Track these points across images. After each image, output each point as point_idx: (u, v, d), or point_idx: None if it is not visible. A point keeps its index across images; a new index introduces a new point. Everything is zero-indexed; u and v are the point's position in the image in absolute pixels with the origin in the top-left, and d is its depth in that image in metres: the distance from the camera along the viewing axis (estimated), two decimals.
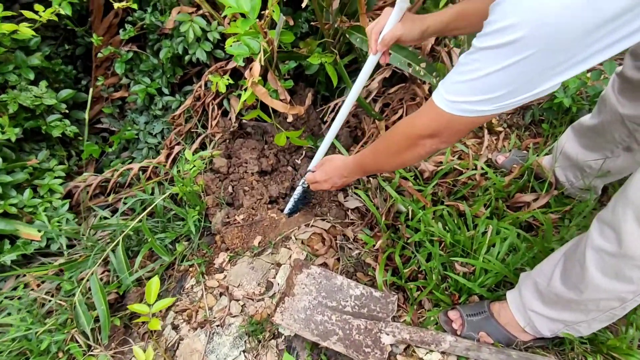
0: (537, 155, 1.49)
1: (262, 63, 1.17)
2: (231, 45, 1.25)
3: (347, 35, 1.38)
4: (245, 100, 1.25)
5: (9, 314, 1.39)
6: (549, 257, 1.02)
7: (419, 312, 1.20)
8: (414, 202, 1.45)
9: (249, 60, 1.52)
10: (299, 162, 1.78)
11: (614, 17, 0.53)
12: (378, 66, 1.70)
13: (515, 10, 0.58)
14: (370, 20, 1.54)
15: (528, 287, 1.04)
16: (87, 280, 1.43)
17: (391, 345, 1.08)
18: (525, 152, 1.59)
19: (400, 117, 1.67)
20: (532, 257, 1.15)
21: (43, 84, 1.91)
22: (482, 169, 1.55)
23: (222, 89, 1.67)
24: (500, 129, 1.74)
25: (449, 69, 1.60)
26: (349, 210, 1.54)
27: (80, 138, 2.20)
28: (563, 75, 0.63)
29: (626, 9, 0.52)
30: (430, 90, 1.62)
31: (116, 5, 1.55)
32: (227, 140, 1.87)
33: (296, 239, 1.40)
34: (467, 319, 1.09)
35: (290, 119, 1.41)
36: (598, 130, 1.21)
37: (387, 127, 1.66)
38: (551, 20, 0.55)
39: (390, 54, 1.24)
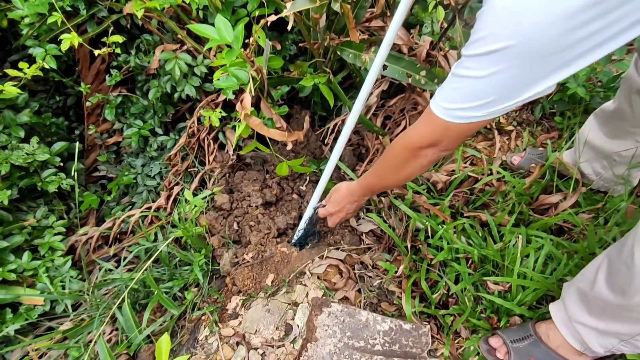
0: (557, 151, 1.39)
1: (253, 93, 1.10)
2: (219, 79, 1.19)
3: (339, 52, 1.32)
4: (240, 134, 1.18)
5: None
6: (592, 261, 0.91)
7: (456, 341, 1.09)
8: (432, 217, 1.35)
9: (240, 91, 1.45)
10: (303, 188, 1.69)
11: (583, 13, 0.52)
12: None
13: (497, 19, 0.59)
14: (360, 34, 1.47)
15: (571, 295, 0.93)
16: (95, 343, 1.33)
17: None
18: (541, 149, 1.49)
19: (405, 128, 1.59)
20: (574, 265, 1.04)
21: (34, 140, 1.86)
22: (498, 172, 1.45)
23: (216, 123, 1.61)
24: (510, 127, 1.65)
25: (448, 72, 1.52)
26: (363, 235, 1.44)
27: (78, 190, 2.14)
28: (553, 78, 0.62)
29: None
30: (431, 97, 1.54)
31: (97, 52, 1.50)
32: (227, 175, 1.80)
33: (311, 273, 1.30)
34: (513, 346, 0.97)
35: (289, 146, 1.33)
36: (623, 114, 1.12)
37: (391, 141, 1.58)
38: (532, 27, 0.56)
39: (386, 67, 1.17)
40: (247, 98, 1.10)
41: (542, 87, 0.64)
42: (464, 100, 0.70)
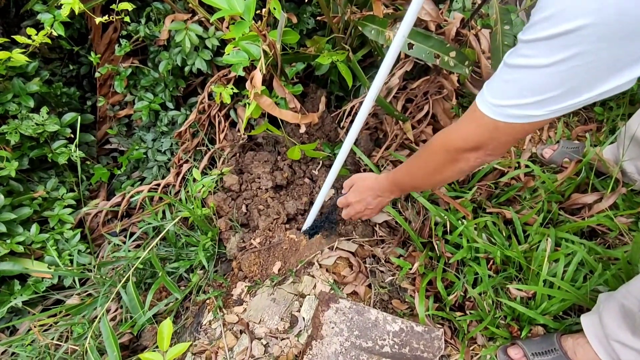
0: (596, 146, 1.27)
1: (265, 70, 1.01)
2: (229, 54, 1.09)
3: (360, 28, 1.20)
4: (250, 115, 1.10)
5: None
6: None
7: (471, 348, 1.02)
8: (452, 212, 1.26)
9: (252, 67, 1.36)
10: (316, 172, 1.61)
11: None
12: (397, 59, 1.51)
13: None
14: (384, 8, 1.34)
15: (611, 312, 0.83)
16: (99, 321, 1.32)
17: None
18: (576, 142, 1.37)
19: (427, 114, 1.48)
20: (611, 275, 0.94)
21: (44, 110, 1.82)
22: (527, 166, 1.34)
23: (227, 100, 1.52)
24: None
25: (479, 54, 1.38)
26: (377, 226, 1.36)
27: (89, 162, 2.11)
28: (637, 68, 0.50)
29: None
30: (460, 81, 1.41)
31: (97, 20, 1.42)
32: (237, 154, 1.73)
33: (320, 265, 1.24)
34: None
35: (303, 129, 1.24)
36: None
37: (413, 127, 1.47)
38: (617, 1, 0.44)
39: (412, 45, 1.05)
40: (258, 75, 1.01)
41: (622, 79, 0.51)
42: (520, 96, 0.59)
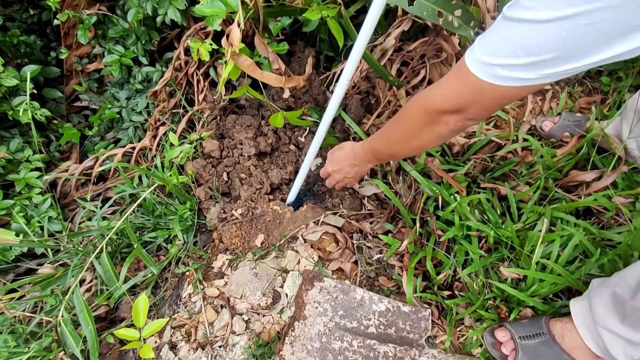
0: (599, 120, 1.19)
1: (244, 25, 0.87)
2: (203, 4, 0.95)
3: None
4: (228, 76, 0.97)
5: None
6: (637, 263, 0.77)
7: (457, 329, 0.99)
8: (444, 186, 1.19)
9: (230, 21, 1.21)
10: (302, 139, 1.51)
11: None
12: (393, 17, 1.37)
13: None
14: None
15: (603, 298, 0.80)
16: (72, 294, 1.25)
17: None
18: (579, 115, 1.29)
19: (423, 79, 1.37)
20: (608, 261, 0.90)
21: None
22: (526, 140, 1.27)
23: (205, 57, 1.37)
24: (547, 86, 1.42)
25: (484, 13, 1.26)
26: (365, 199, 1.29)
27: (57, 121, 1.95)
28: None
29: None
30: (461, 44, 1.29)
31: None
32: (218, 118, 1.60)
33: (305, 240, 1.18)
34: (521, 343, 0.88)
35: (287, 93, 1.13)
36: None
37: (407, 93, 1.37)
38: None
39: (412, 1, 0.93)
40: (236, 31, 0.88)
41: (631, 44, 0.45)
42: (513, 55, 0.52)
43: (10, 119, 1.71)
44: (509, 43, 0.52)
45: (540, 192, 1.13)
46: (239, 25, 0.87)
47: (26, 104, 1.71)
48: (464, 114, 0.66)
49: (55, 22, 1.65)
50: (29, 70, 1.73)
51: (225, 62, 0.98)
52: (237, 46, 0.88)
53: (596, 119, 1.19)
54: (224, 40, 0.91)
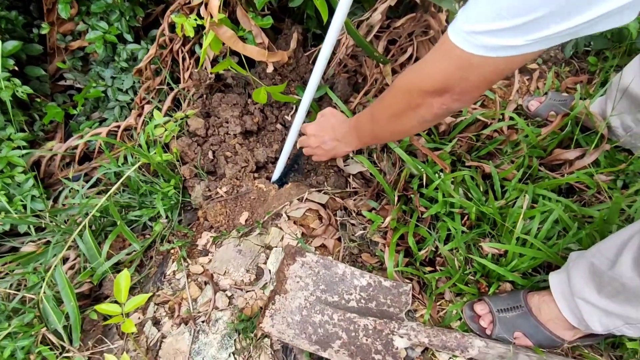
0: (585, 99, 1.19)
1: None
2: None
3: None
4: (209, 49, 0.95)
5: None
6: (613, 235, 0.78)
7: (437, 303, 1.00)
8: (429, 164, 1.19)
9: None
10: (289, 118, 1.50)
11: None
12: None
13: None
14: None
15: (580, 269, 0.81)
16: (54, 270, 1.24)
17: (406, 349, 0.90)
18: (565, 95, 1.29)
19: (410, 57, 1.35)
20: (585, 234, 0.91)
21: None
22: (512, 119, 1.26)
23: (190, 33, 1.34)
24: (534, 65, 1.41)
25: None
26: (350, 177, 1.29)
27: (40, 99, 1.91)
28: None
29: None
30: (447, 20, 1.28)
31: None
32: (204, 96, 1.58)
33: (288, 217, 1.17)
34: (499, 316, 0.89)
35: (270, 68, 1.11)
36: None
37: (394, 71, 1.35)
38: None
39: None
40: (214, 1, 0.85)
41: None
42: (497, 17, 0.48)
43: None
44: (493, 5, 0.49)
45: (523, 170, 1.13)
46: None
47: (6, 80, 1.68)
48: (449, 95, 0.63)
49: None
50: (10, 46, 1.69)
51: (204, 33, 0.96)
52: (216, 16, 0.86)
53: (581, 98, 1.19)
54: (202, 9, 0.89)
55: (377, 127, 0.83)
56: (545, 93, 1.33)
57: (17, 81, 1.68)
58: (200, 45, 1.59)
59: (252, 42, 1.13)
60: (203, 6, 0.88)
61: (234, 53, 1.35)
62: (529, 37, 0.48)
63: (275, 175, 1.30)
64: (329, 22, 1.40)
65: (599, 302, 0.78)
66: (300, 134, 1.14)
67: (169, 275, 1.28)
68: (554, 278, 0.85)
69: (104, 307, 1.07)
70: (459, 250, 1.00)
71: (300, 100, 1.43)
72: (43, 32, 1.70)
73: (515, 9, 0.46)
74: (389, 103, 0.77)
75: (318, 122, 1.06)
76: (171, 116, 1.61)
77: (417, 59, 1.36)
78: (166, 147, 1.49)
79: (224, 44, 0.98)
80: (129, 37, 1.75)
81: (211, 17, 0.87)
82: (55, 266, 1.23)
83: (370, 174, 1.28)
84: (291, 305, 0.96)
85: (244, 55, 1.18)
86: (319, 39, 1.63)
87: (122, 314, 1.07)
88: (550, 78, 1.36)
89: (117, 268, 1.39)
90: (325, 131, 1.01)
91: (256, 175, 1.36)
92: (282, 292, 0.98)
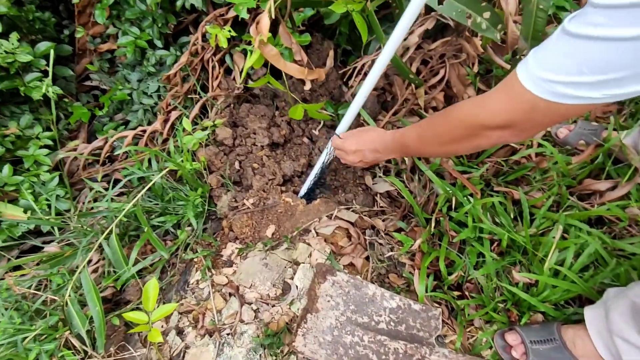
0: (617, 131, 1.20)
1: (273, 14, 0.87)
2: None
3: None
4: (252, 65, 0.97)
5: None
6: None
7: (467, 330, 1.00)
8: (458, 187, 1.20)
9: (256, 9, 1.20)
10: (316, 132, 1.51)
11: None
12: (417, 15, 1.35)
13: None
14: None
15: (620, 308, 0.81)
16: (78, 272, 1.25)
17: None
18: (595, 124, 1.29)
19: (442, 79, 1.36)
20: (623, 270, 0.91)
21: (14, 36, 1.61)
22: (541, 145, 1.27)
23: (223, 44, 1.36)
24: None
25: (507, 16, 1.25)
26: (378, 195, 1.30)
27: (67, 99, 1.93)
28: None
29: None
30: (483, 46, 1.29)
31: None
32: (232, 105, 1.60)
33: (317, 233, 1.18)
34: (532, 348, 0.89)
35: (308, 85, 1.12)
36: None
37: (425, 93, 1.36)
38: None
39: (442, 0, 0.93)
40: (265, 20, 0.87)
41: None
42: (578, 72, 0.49)
43: (22, 95, 1.69)
44: (574, 60, 0.50)
45: (554, 199, 1.14)
46: (269, 15, 0.86)
47: (39, 80, 1.70)
48: (511, 130, 0.64)
49: (75, 0, 1.63)
50: (43, 46, 1.72)
51: (250, 50, 0.97)
52: (266, 35, 0.87)
53: (614, 129, 1.19)
54: (252, 28, 0.90)
55: (424, 147, 0.85)
56: (575, 121, 1.33)
57: (49, 81, 1.71)
58: (231, 56, 1.61)
59: (288, 58, 1.15)
60: (254, 25, 0.89)
61: (265, 65, 1.37)
62: (605, 92, 0.49)
63: (304, 190, 1.31)
64: (358, 38, 1.41)
65: (638, 342, 0.77)
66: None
67: (192, 284, 1.28)
68: (589, 313, 0.85)
69: (132, 315, 1.07)
70: (490, 277, 1.00)
71: (330, 115, 1.45)
72: (78, 35, 1.73)
73: (599, 68, 0.48)
74: (442, 130, 0.78)
75: (357, 139, 1.06)
76: (197, 123, 1.63)
77: (448, 82, 1.37)
78: (192, 155, 1.51)
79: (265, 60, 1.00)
80: (159, 43, 1.77)
81: (259, 35, 0.88)
82: (82, 269, 1.24)
83: (397, 193, 1.29)
84: (323, 325, 0.96)
85: (271, 67, 1.19)
86: (348, 54, 1.65)
87: (149, 323, 1.07)
88: None
89: (139, 274, 1.40)
90: (365, 145, 1.02)
91: (283, 188, 1.37)
92: (313, 311, 0.98)
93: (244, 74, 1.06)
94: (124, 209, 1.31)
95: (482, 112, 0.66)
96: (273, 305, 1.13)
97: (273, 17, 0.88)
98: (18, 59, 1.61)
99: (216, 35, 1.39)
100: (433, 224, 1.12)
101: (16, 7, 1.66)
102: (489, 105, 0.66)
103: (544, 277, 0.94)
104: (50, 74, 1.60)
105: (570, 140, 1.29)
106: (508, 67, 1.32)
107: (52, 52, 1.64)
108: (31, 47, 1.68)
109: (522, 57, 1.25)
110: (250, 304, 1.16)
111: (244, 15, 1.02)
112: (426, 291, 1.03)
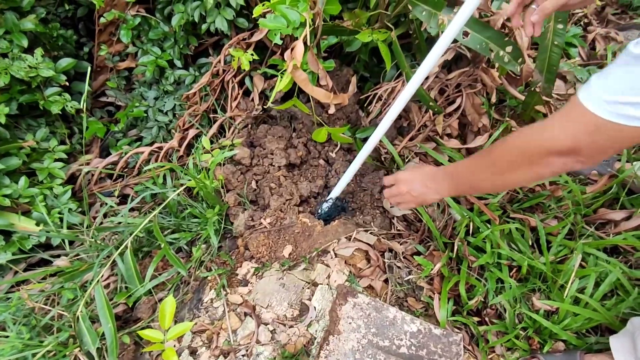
0: (632, 162, 1.23)
1: (309, 42, 0.91)
2: (264, 17, 0.98)
3: (410, 6, 1.10)
4: (281, 89, 1.00)
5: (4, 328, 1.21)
6: None
7: (490, 357, 1.00)
8: (475, 213, 1.22)
9: (286, 36, 1.24)
10: (333, 155, 1.53)
11: None
12: None
13: None
14: None
15: None
16: (92, 288, 1.24)
17: None
18: None
19: (459, 108, 1.41)
20: None
21: (39, 52, 1.65)
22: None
23: (246, 66, 1.41)
24: None
25: (523, 50, 1.31)
26: (395, 219, 1.31)
27: (82, 114, 1.96)
28: None
29: None
30: (500, 77, 1.34)
31: None
32: (250, 126, 1.63)
33: (336, 254, 1.18)
34: None
35: (332, 110, 1.16)
36: None
37: (444, 120, 1.40)
38: None
39: (467, 34, 0.97)
40: (300, 47, 0.91)
41: None
42: None
43: (41, 108, 1.72)
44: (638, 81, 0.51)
45: (568, 227, 1.16)
46: (304, 42, 0.90)
47: (58, 95, 1.73)
48: (576, 156, 0.62)
49: (102, 20, 1.68)
50: (65, 62, 1.76)
51: (264, 73, 1.01)
52: (300, 60, 0.91)
53: (627, 160, 1.23)
54: (287, 54, 0.94)
55: (478, 180, 0.81)
56: None
57: (68, 96, 1.74)
58: (251, 78, 1.66)
59: (313, 82, 1.18)
60: (289, 50, 0.93)
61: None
62: None
63: (321, 209, 1.32)
64: (376, 65, 1.46)
65: None
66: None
67: (206, 302, 1.27)
68: (616, 342, 0.86)
69: (147, 334, 1.06)
70: (511, 303, 1.00)
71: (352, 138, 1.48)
72: (102, 53, 1.77)
73: None
74: (498, 157, 0.75)
75: (410, 170, 1.03)
76: (214, 142, 1.65)
77: (463, 110, 1.41)
78: (209, 173, 1.52)
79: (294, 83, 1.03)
80: (178, 63, 1.82)
81: (293, 60, 0.92)
82: (95, 285, 1.22)
83: (414, 217, 1.30)
84: (344, 347, 0.95)
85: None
86: (364, 80, 1.70)
87: (163, 342, 1.06)
88: None
89: (151, 291, 1.38)
90: (416, 177, 0.98)
91: (300, 209, 1.38)
92: (335, 333, 0.97)
93: (273, 95, 1.09)
94: (140, 225, 1.31)
95: (544, 137, 0.64)
96: (290, 327, 1.12)
97: (307, 43, 0.92)
98: (41, 73, 1.65)
99: (239, 58, 1.44)
100: (449, 248, 1.13)
101: (42, 25, 1.70)
102: (550, 130, 0.63)
103: (565, 305, 0.95)
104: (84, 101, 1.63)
105: (584, 170, 1.33)
106: (522, 97, 1.37)
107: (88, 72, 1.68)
108: (53, 62, 1.71)
109: (536, 89, 1.31)
110: (266, 324, 1.14)
111: (278, 41, 1.07)
112: (447, 316, 1.03)
